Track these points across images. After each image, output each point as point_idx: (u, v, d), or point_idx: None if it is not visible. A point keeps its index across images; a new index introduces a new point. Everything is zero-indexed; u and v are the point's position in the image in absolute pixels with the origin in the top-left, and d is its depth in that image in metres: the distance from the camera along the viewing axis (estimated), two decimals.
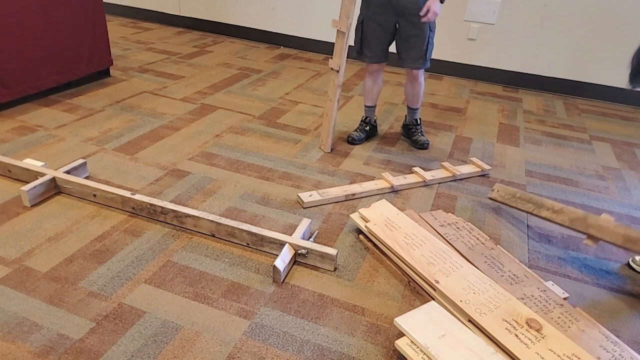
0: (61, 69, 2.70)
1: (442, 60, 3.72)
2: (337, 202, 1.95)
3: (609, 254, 1.77)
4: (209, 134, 2.44)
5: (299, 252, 1.54)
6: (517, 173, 2.33)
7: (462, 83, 3.63)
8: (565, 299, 1.51)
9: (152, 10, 4.53)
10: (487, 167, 2.28)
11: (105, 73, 3.08)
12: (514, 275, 1.57)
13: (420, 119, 2.54)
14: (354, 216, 1.76)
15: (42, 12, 2.52)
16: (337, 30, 2.15)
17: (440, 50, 3.70)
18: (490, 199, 1.98)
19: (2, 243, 1.55)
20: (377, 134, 2.61)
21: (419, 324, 1.26)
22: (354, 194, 1.98)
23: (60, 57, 2.68)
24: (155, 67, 3.38)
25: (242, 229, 1.59)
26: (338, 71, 2.20)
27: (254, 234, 1.58)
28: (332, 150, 2.38)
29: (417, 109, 2.50)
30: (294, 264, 1.56)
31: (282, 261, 1.47)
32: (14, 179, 1.88)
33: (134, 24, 4.50)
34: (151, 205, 1.68)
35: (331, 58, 2.22)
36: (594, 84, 3.46)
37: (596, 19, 3.26)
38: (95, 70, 2.94)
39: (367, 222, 1.71)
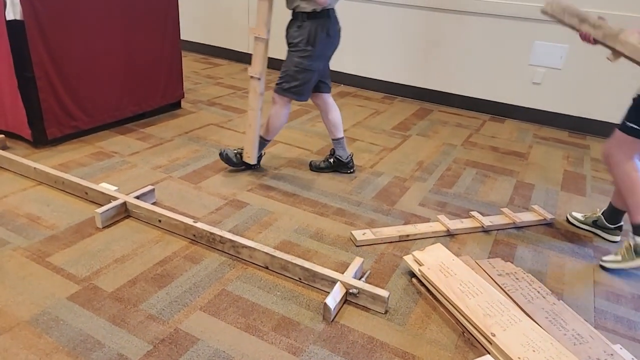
0: (138, 101, 2.94)
1: (504, 104, 3.66)
2: (391, 242, 1.94)
3: None
4: (268, 166, 2.53)
5: (351, 291, 1.54)
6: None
7: (525, 127, 3.54)
8: None
9: (223, 48, 4.84)
10: (549, 216, 2.19)
11: (177, 105, 3.30)
12: (578, 334, 1.47)
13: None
14: (408, 258, 1.74)
15: (126, 47, 2.78)
16: (255, 37, 2.13)
17: (503, 93, 3.65)
18: (543, 12, 1.84)
19: (74, 261, 1.68)
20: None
21: None
22: (407, 235, 1.96)
23: (139, 89, 2.92)
24: (222, 100, 3.59)
25: (295, 264, 1.62)
26: (259, 79, 2.19)
27: (307, 269, 1.60)
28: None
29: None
30: (344, 303, 1.56)
31: (333, 299, 1.48)
32: (90, 201, 2.04)
33: (205, 59, 4.83)
34: (211, 234, 1.75)
35: (250, 66, 2.20)
36: None
37: None
38: (168, 103, 3.17)
39: (421, 265, 1.68)
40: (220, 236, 1.73)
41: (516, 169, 2.78)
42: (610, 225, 2.07)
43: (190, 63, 4.62)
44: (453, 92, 3.81)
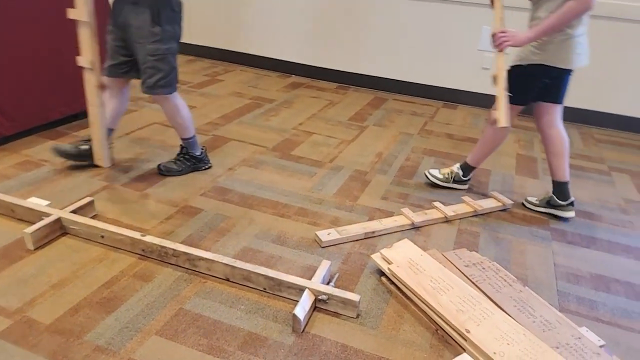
0: (68, 100, 2.65)
1: (456, 90, 3.69)
2: (357, 240, 1.87)
3: (633, 294, 1.68)
4: (221, 167, 2.39)
5: (320, 297, 1.46)
6: None
7: (477, 112, 3.59)
8: (601, 347, 1.41)
9: None
10: (508, 202, 2.21)
11: None
12: (546, 320, 1.48)
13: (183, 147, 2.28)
14: (376, 257, 1.68)
15: (48, 40, 2.49)
16: (79, 22, 1.91)
17: (454, 80, 3.68)
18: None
19: (3, 291, 1.47)
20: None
21: None
22: (373, 232, 1.91)
23: (68, 87, 2.63)
24: None
25: (258, 273, 1.51)
26: (92, 69, 1.99)
27: (271, 278, 1.50)
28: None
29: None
30: (314, 311, 1.48)
31: (302, 309, 1.39)
32: (18, 219, 1.81)
33: None
34: (162, 247, 1.61)
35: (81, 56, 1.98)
36: (608, 113, 3.40)
37: (605, 50, 3.23)
38: None
39: (389, 263, 1.63)
40: (173, 249, 1.59)
41: None
42: (563, 202, 2.13)
43: None
44: (406, 80, 3.80)
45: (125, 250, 1.68)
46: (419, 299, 1.49)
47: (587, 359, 1.33)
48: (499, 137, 2.19)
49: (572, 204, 2.13)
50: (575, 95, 3.42)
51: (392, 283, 1.61)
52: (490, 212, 2.17)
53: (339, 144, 2.81)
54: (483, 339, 1.32)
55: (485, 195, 2.30)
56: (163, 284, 1.55)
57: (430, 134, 3.07)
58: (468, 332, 1.34)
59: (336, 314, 1.47)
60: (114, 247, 1.70)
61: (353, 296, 1.45)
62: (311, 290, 1.46)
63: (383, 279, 1.65)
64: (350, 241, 1.85)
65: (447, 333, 1.41)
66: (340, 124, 3.12)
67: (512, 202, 2.22)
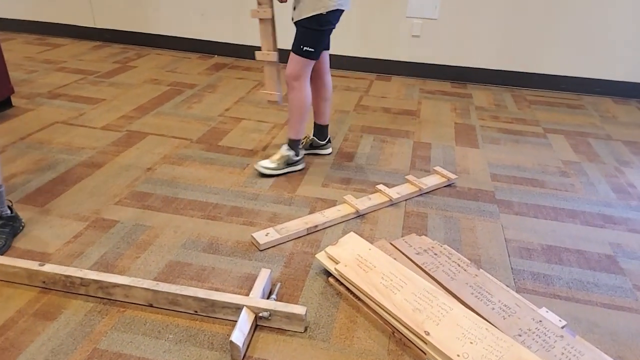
0: None
1: (388, 60, 3.56)
2: (299, 237, 1.69)
3: (592, 263, 1.65)
4: (138, 168, 2.09)
5: (260, 315, 1.27)
6: (483, 179, 2.18)
7: (411, 82, 3.48)
8: (563, 327, 1.35)
9: (62, 24, 4.02)
10: (452, 176, 2.12)
11: (6, 103, 2.62)
12: (505, 306, 1.39)
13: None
14: (320, 257, 1.51)
15: None
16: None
17: (385, 50, 3.53)
18: None
19: None
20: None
21: None
22: (316, 226, 1.73)
23: None
24: (69, 90, 2.95)
25: (186, 295, 1.29)
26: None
27: (202, 300, 1.29)
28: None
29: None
30: (255, 330, 1.29)
31: (240, 333, 1.19)
32: None
33: (40, 40, 3.98)
34: (67, 276, 1.33)
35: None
36: (537, 73, 3.43)
37: (533, 9, 3.22)
38: None
39: (336, 263, 1.47)
40: (80, 277, 1.33)
41: (411, 128, 2.69)
42: (322, 142, 2.28)
43: (20, 47, 3.78)
44: (337, 54, 3.61)
45: (23, 284, 1.39)
46: (371, 300, 1.35)
47: (551, 344, 1.26)
48: (301, 98, 1.99)
49: (329, 140, 2.31)
50: (506, 58, 3.41)
51: (341, 284, 1.46)
52: (436, 189, 2.07)
53: (271, 128, 2.59)
54: (444, 340, 1.20)
55: (429, 172, 2.20)
56: (71, 321, 1.29)
57: (366, 110, 2.92)
58: (427, 334, 1.22)
59: (281, 330, 1.30)
60: (7, 281, 1.40)
61: (298, 309, 1.27)
62: (249, 308, 1.27)
63: (331, 279, 1.49)
64: (292, 239, 1.67)
65: (404, 336, 1.28)
66: (271, 106, 2.88)
67: (457, 177, 2.13)
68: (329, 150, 2.33)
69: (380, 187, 1.99)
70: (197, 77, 3.34)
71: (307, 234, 1.71)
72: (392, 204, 1.94)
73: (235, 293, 1.41)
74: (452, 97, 3.24)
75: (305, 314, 1.28)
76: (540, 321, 1.34)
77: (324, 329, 1.32)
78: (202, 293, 1.30)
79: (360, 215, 1.85)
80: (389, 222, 1.82)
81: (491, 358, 1.14)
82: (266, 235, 1.64)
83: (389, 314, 1.30)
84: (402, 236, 1.74)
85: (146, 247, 1.59)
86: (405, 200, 1.98)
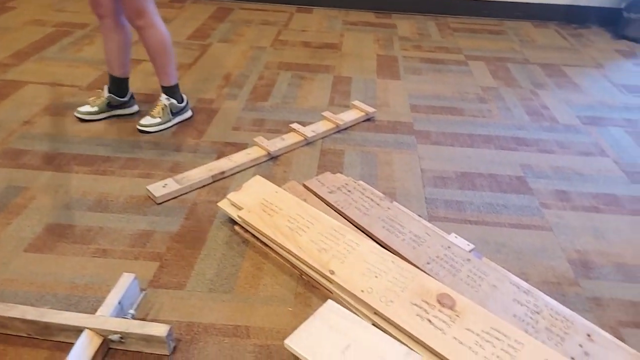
0: None
1: None
2: (203, 186, 1.57)
3: (503, 185, 1.66)
4: (13, 122, 1.84)
5: (110, 338, 1.05)
6: (402, 111, 2.13)
7: (333, 14, 3.30)
8: (470, 251, 1.36)
9: None
10: (371, 110, 2.04)
11: None
12: (415, 236, 1.37)
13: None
14: (223, 204, 1.41)
15: None
16: None
17: None
18: None
19: None
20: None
21: (316, 340, 0.99)
22: (222, 173, 1.61)
23: None
24: None
25: (12, 317, 1.04)
26: None
27: (33, 322, 1.04)
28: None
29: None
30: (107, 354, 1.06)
31: None
32: None
33: None
34: None
35: None
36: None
37: None
38: None
39: (240, 209, 1.37)
40: None
41: (331, 63, 2.56)
42: (124, 99, 1.92)
43: None
44: None
45: None
46: (277, 244, 1.28)
47: (458, 268, 1.25)
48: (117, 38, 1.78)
49: (132, 96, 1.95)
50: None
51: (248, 231, 1.37)
52: (354, 125, 1.99)
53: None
54: (349, 278, 1.16)
55: (348, 107, 2.11)
56: None
57: (285, 45, 2.74)
58: (332, 273, 1.17)
59: (179, 284, 1.20)
60: None
61: (158, 329, 1.03)
62: (93, 330, 1.03)
63: (237, 227, 1.40)
64: (195, 189, 1.55)
65: (312, 278, 1.23)
66: (177, 45, 2.63)
67: (375, 110, 2.06)
68: (135, 108, 1.95)
69: (295, 125, 1.88)
70: (89, 16, 2.94)
71: (213, 182, 1.59)
72: (308, 143, 1.84)
73: (127, 252, 1.29)
74: (376, 27, 3.11)
75: (168, 334, 1.03)
76: (449, 247, 1.33)
77: (227, 280, 1.24)
78: (32, 313, 1.04)
79: (272, 158, 1.74)
80: (304, 163, 1.73)
81: (395, 290, 1.12)
82: (164, 186, 1.50)
83: (295, 257, 1.24)
84: (317, 176, 1.66)
85: (20, 211, 1.41)
86: (322, 138, 1.89)
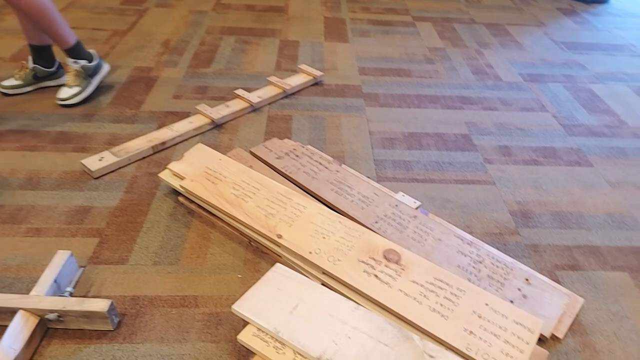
0: None
1: None
2: (143, 158, 1.50)
3: (449, 143, 1.69)
4: None
5: (47, 318, 0.99)
6: (350, 74, 2.10)
7: None
8: (417, 208, 1.38)
9: None
10: (318, 73, 2.00)
11: None
12: (364, 196, 1.37)
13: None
14: (164, 175, 1.35)
15: None
16: None
17: None
18: None
19: None
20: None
21: (264, 303, 0.98)
22: (163, 143, 1.54)
23: None
24: None
25: None
26: None
27: None
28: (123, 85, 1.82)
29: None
30: (45, 335, 1.00)
31: (10, 349, 0.92)
32: None
33: None
34: None
35: None
36: None
37: None
38: None
39: (182, 179, 1.32)
40: None
41: (277, 26, 2.48)
42: (51, 69, 1.79)
43: None
44: None
45: None
46: (223, 213, 1.24)
47: (405, 225, 1.27)
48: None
49: (60, 65, 1.82)
50: None
51: (193, 202, 1.33)
52: (302, 89, 1.95)
53: (110, 37, 2.21)
54: (296, 240, 1.15)
55: (295, 72, 2.05)
56: None
57: (228, 9, 2.62)
58: (280, 237, 1.15)
59: (121, 259, 1.16)
60: None
61: (99, 305, 0.98)
62: (28, 311, 0.98)
63: (181, 198, 1.35)
64: (134, 162, 1.47)
65: (260, 243, 1.21)
66: (110, 11, 2.46)
67: (322, 74, 2.02)
68: (65, 79, 1.76)
69: (240, 92, 1.82)
70: None
71: (154, 154, 1.52)
72: (254, 109, 1.79)
73: (63, 229, 1.22)
74: None
75: (110, 309, 0.99)
76: (397, 205, 1.34)
77: (172, 251, 1.20)
78: None
79: (217, 126, 1.68)
80: (250, 130, 1.68)
81: (342, 249, 1.12)
82: (100, 160, 1.42)
83: (242, 224, 1.21)
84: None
85: None
86: (269, 104, 1.84)
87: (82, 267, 1.14)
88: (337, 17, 2.67)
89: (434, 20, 2.73)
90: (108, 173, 1.41)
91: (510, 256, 1.17)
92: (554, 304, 1.04)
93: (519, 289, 1.03)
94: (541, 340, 1.01)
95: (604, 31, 2.69)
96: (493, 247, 1.21)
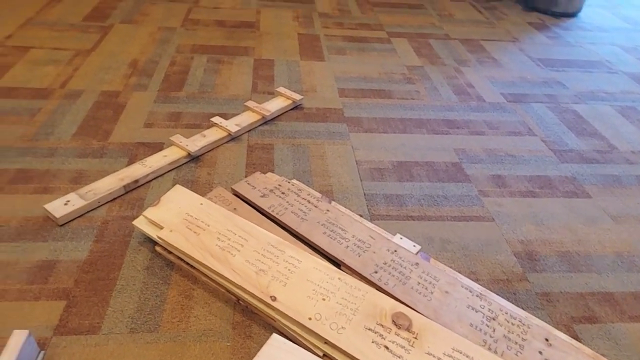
0: None
1: None
2: (114, 199, 1.34)
3: (440, 174, 1.61)
4: None
5: None
6: (330, 95, 2.00)
7: None
8: (417, 252, 1.30)
9: None
10: (298, 97, 1.89)
11: None
12: (360, 240, 1.28)
13: None
14: (139, 222, 1.20)
15: None
16: None
17: None
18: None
19: None
20: None
21: None
22: (136, 181, 1.39)
23: None
24: None
25: None
26: None
27: None
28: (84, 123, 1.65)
29: None
30: None
31: None
32: None
33: None
34: None
35: None
36: None
37: None
38: None
39: (160, 228, 1.18)
40: None
41: (250, 44, 2.35)
42: None
43: None
44: None
45: None
46: (207, 269, 1.11)
47: (407, 275, 1.18)
48: None
49: None
50: None
51: (171, 252, 1.19)
52: (281, 114, 1.83)
53: (72, 57, 2.02)
54: (293, 303, 1.03)
55: (273, 94, 1.94)
56: None
57: (197, 25, 2.47)
58: (274, 299, 1.04)
59: (90, 331, 1.01)
60: None
61: None
62: None
63: (158, 248, 1.21)
64: (104, 203, 1.32)
65: (250, 304, 1.09)
66: (72, 28, 2.26)
67: (302, 97, 1.91)
68: None
69: (216, 119, 1.68)
70: None
71: (126, 193, 1.37)
72: (232, 138, 1.66)
73: (24, 291, 1.06)
74: (294, 3, 2.92)
75: None
76: (395, 251, 1.25)
77: (150, 315, 1.06)
78: None
79: (193, 158, 1.54)
80: (230, 162, 1.56)
81: (346, 313, 1.02)
82: (65, 204, 1.26)
83: (230, 283, 1.09)
84: (245, 177, 1.50)
85: None
86: (247, 131, 1.71)
87: (42, 349, 0.97)
88: (311, 33, 2.56)
89: (409, 36, 2.68)
90: (75, 218, 1.25)
91: (522, 308, 1.11)
92: None
93: (540, 352, 0.96)
94: None
95: (577, 47, 2.72)
96: (503, 297, 1.14)
